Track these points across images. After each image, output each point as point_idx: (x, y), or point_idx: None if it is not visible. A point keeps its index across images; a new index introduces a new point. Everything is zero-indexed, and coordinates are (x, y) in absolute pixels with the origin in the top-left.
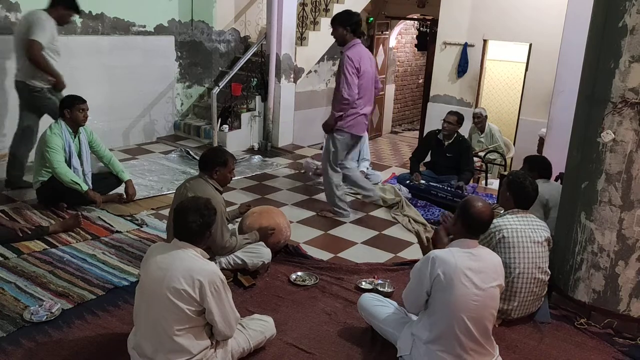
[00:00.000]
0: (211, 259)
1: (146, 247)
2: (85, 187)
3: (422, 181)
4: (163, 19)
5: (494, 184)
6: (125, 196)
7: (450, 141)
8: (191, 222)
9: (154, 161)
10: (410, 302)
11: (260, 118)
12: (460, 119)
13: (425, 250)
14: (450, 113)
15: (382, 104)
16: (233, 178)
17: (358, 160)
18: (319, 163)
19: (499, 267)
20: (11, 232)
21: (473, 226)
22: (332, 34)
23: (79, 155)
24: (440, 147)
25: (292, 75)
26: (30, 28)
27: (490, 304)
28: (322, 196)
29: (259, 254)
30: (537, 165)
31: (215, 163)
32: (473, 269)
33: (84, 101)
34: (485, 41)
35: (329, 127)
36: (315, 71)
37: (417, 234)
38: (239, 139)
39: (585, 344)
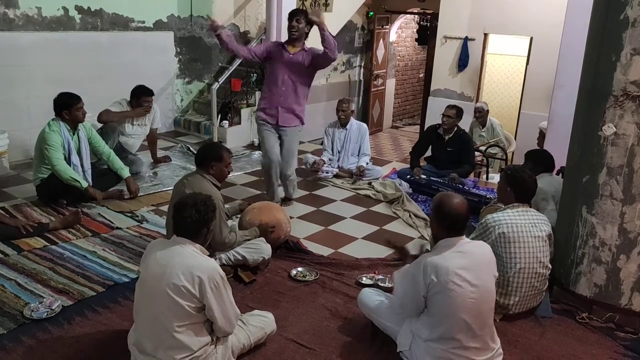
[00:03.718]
0: (211, 255)
1: (146, 244)
2: (84, 184)
3: (423, 176)
4: (162, 15)
5: (495, 178)
6: (128, 193)
7: (450, 135)
8: (186, 217)
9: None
10: (409, 309)
11: None
12: (459, 112)
13: (399, 252)
14: (449, 107)
15: (383, 98)
16: (230, 173)
17: (358, 156)
18: (318, 158)
19: (491, 258)
20: (13, 229)
21: (451, 225)
22: (297, 23)
23: (78, 152)
24: (440, 142)
25: None
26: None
27: (488, 297)
28: (323, 191)
29: (259, 249)
30: (542, 159)
31: (211, 158)
32: (465, 268)
33: (80, 99)
34: (485, 35)
35: None
36: None
37: (389, 244)
38: (239, 135)
39: (586, 338)
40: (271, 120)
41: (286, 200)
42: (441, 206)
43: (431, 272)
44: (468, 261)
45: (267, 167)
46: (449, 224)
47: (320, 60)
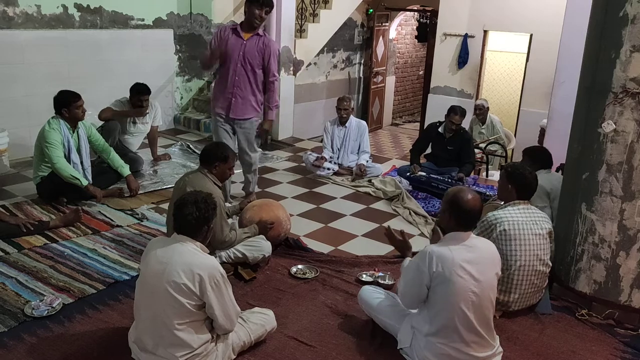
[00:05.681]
0: (211, 253)
1: (147, 241)
2: (85, 182)
3: (422, 173)
4: (162, 12)
5: (495, 175)
6: (128, 190)
7: (451, 134)
8: (187, 214)
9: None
10: (409, 299)
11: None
12: (463, 113)
13: (399, 245)
14: (454, 112)
15: (383, 96)
16: (232, 175)
17: (358, 153)
18: (319, 155)
19: (496, 256)
20: (13, 227)
21: (465, 220)
22: (263, 15)
23: (78, 150)
24: (441, 140)
25: (291, 68)
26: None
27: (489, 294)
28: (322, 189)
29: (259, 247)
30: (539, 156)
31: (215, 158)
32: (470, 261)
33: (80, 97)
34: (485, 32)
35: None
36: (315, 63)
37: (388, 229)
38: None
39: (586, 334)
40: (223, 112)
41: (248, 196)
42: (456, 200)
43: (437, 262)
44: (473, 255)
45: None
46: (462, 219)
47: (265, 73)
